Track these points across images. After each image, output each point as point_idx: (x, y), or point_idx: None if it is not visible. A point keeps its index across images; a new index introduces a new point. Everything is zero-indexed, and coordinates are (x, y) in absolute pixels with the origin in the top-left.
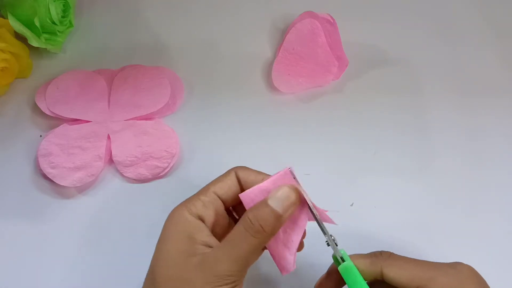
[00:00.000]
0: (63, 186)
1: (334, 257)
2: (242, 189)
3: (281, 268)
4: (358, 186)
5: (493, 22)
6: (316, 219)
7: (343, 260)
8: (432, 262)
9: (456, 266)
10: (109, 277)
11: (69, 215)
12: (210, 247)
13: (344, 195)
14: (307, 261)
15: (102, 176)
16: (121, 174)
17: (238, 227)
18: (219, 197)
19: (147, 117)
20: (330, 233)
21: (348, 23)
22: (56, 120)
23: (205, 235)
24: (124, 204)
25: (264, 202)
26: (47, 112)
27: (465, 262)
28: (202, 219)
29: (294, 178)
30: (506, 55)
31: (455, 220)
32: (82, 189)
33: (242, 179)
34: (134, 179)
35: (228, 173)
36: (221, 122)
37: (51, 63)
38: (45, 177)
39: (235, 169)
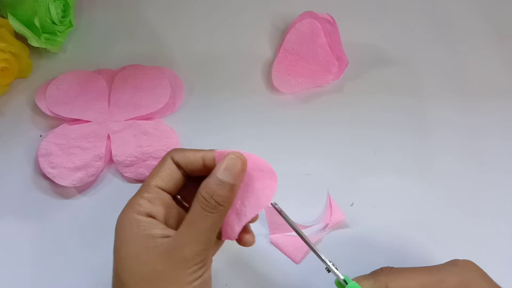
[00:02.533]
0: (63, 186)
1: (337, 282)
2: (185, 174)
3: (225, 233)
4: (358, 186)
5: (493, 22)
6: (313, 250)
7: (346, 283)
8: (432, 266)
9: (456, 263)
10: (108, 277)
11: (69, 215)
12: (169, 237)
13: (344, 195)
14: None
15: (102, 176)
16: (121, 174)
17: (195, 207)
18: (163, 190)
19: (147, 117)
20: (328, 258)
21: (348, 23)
22: (56, 120)
23: (161, 229)
24: (124, 204)
25: (214, 177)
26: (47, 112)
27: None
28: (152, 216)
29: (277, 210)
30: (506, 55)
31: (454, 219)
32: (82, 189)
33: (182, 163)
34: (134, 179)
35: (164, 161)
36: (221, 122)
37: (51, 63)
38: (45, 177)
39: (171, 155)
